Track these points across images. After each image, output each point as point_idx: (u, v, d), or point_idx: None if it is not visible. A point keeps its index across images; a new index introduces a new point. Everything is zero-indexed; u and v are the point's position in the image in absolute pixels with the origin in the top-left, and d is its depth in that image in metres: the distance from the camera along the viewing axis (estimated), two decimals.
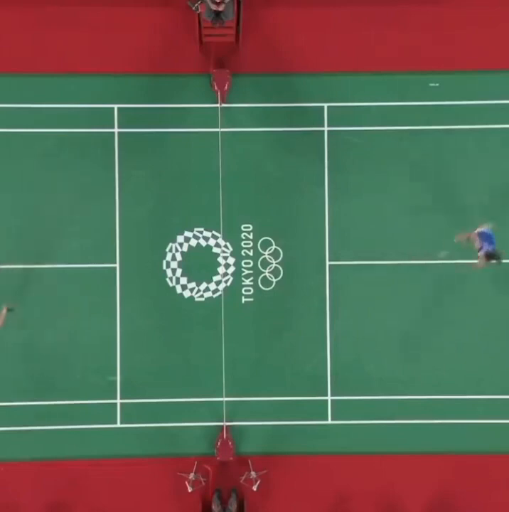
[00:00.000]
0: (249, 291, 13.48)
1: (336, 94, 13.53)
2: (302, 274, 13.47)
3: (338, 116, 13.51)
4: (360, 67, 13.53)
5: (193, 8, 12.60)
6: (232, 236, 13.49)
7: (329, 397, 13.36)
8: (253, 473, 12.95)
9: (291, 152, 13.42)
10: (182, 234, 13.48)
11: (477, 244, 12.23)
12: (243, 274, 13.51)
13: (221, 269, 13.48)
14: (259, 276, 13.52)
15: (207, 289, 13.46)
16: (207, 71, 13.43)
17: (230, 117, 13.45)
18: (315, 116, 13.51)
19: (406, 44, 13.53)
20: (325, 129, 13.53)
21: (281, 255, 13.55)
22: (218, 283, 13.46)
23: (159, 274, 13.43)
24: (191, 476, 12.94)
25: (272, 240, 13.54)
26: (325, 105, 13.54)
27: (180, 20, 13.43)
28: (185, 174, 13.49)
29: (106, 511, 13.23)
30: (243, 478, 13.03)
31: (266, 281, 13.52)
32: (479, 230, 12.24)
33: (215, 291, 13.45)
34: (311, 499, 13.28)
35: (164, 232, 13.48)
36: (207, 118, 13.43)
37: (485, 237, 12.12)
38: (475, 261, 12.24)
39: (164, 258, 13.45)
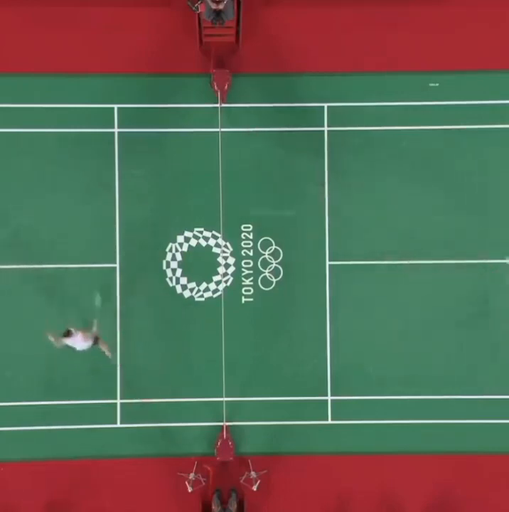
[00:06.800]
0: (249, 291, 13.48)
1: (336, 94, 13.53)
2: (302, 274, 13.47)
3: (338, 116, 13.51)
4: (360, 67, 13.53)
5: (193, 8, 12.58)
6: (232, 236, 13.48)
7: (329, 397, 13.36)
8: (253, 473, 12.95)
9: (291, 152, 13.41)
10: (182, 234, 13.48)
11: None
12: (243, 274, 13.51)
13: (221, 269, 13.48)
14: (259, 276, 13.52)
15: (207, 289, 13.45)
16: (207, 71, 13.42)
17: (230, 117, 13.44)
18: (316, 116, 13.51)
19: (406, 44, 13.52)
20: (325, 129, 13.53)
21: (281, 255, 13.54)
22: (218, 283, 13.45)
23: (159, 274, 13.43)
24: (191, 476, 12.94)
25: (272, 240, 13.54)
26: (325, 105, 13.54)
27: (180, 20, 13.42)
28: (185, 174, 13.48)
29: (106, 511, 13.24)
30: (243, 478, 13.03)
31: (266, 281, 13.52)
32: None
33: (215, 291, 13.44)
34: (311, 499, 13.28)
35: (164, 232, 13.48)
36: (207, 118, 13.42)
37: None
38: None
39: (164, 258, 13.45)
